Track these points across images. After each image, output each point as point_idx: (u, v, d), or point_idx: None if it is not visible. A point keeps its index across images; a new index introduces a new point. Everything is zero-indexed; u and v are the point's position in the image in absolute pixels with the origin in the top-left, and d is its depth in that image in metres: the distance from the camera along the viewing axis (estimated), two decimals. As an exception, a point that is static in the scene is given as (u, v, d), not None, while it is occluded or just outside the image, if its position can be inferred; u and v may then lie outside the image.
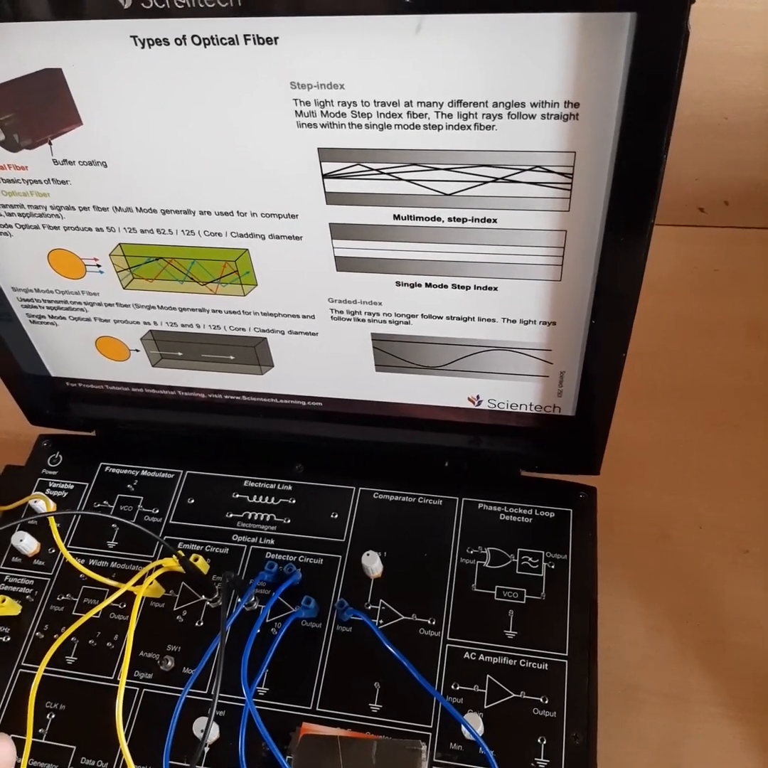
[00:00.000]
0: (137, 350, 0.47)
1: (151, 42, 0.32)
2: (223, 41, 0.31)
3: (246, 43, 0.31)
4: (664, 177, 0.31)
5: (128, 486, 0.49)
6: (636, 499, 0.49)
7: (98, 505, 0.48)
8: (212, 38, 0.31)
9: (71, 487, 0.49)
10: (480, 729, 0.38)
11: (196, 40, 0.32)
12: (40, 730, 0.41)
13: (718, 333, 0.58)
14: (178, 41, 0.32)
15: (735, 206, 0.64)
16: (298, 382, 0.47)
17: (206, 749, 0.39)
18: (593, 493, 0.46)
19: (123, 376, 0.49)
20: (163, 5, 0.29)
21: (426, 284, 0.39)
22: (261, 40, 0.31)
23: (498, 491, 0.47)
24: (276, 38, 0.31)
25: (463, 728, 0.38)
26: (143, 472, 0.50)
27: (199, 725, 0.39)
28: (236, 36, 0.31)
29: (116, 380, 0.49)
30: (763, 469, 0.50)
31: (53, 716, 0.41)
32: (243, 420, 0.49)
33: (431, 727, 0.39)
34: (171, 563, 0.43)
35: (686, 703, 0.41)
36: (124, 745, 0.35)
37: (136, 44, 0.32)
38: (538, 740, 0.38)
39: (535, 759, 0.38)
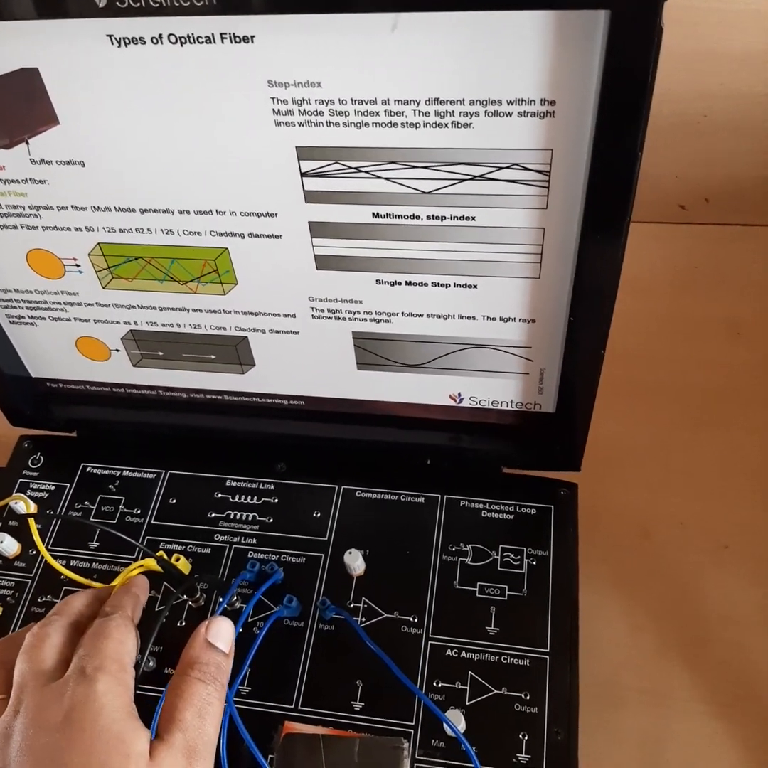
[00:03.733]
0: (118, 350, 0.46)
1: (127, 41, 0.32)
2: (200, 40, 0.31)
3: (222, 42, 0.31)
4: (641, 174, 0.31)
5: (110, 486, 0.49)
6: (617, 498, 0.49)
7: (79, 506, 0.48)
8: (189, 37, 0.31)
9: (52, 488, 0.49)
10: (462, 725, 0.38)
11: (172, 38, 0.31)
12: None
13: (697, 331, 0.58)
14: (155, 40, 0.32)
15: (715, 203, 0.65)
16: (280, 381, 0.47)
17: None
18: (574, 490, 0.46)
19: (104, 376, 0.49)
20: (138, 4, 0.29)
21: (406, 282, 0.39)
22: (237, 39, 0.31)
23: (480, 488, 0.47)
24: (252, 37, 0.31)
25: (445, 725, 0.38)
26: (125, 473, 0.50)
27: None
28: (213, 34, 0.31)
29: (97, 380, 0.49)
30: (743, 466, 0.50)
31: (34, 718, 0.41)
32: (225, 419, 0.49)
33: (413, 724, 0.39)
34: (152, 563, 0.42)
35: (667, 700, 0.42)
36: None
37: (112, 43, 0.32)
38: (520, 736, 0.38)
39: (517, 755, 0.38)
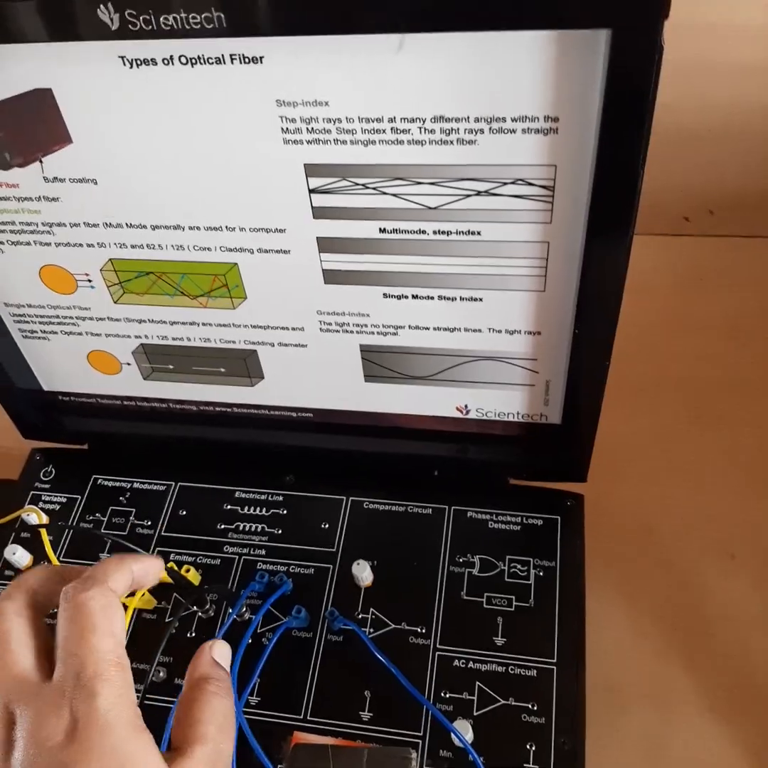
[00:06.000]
0: (129, 364, 0.47)
1: (138, 62, 0.33)
2: (210, 61, 0.32)
3: (232, 63, 0.32)
4: (645, 186, 0.32)
5: (120, 498, 0.49)
6: (621, 498, 0.49)
7: (90, 517, 0.49)
8: (199, 58, 0.32)
9: (64, 500, 0.50)
10: (469, 736, 0.38)
11: (183, 59, 0.32)
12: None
13: (702, 340, 0.58)
14: (166, 61, 0.32)
15: (720, 215, 0.65)
16: (289, 394, 0.47)
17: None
18: (581, 501, 0.46)
19: (115, 389, 0.49)
20: (150, 27, 0.30)
21: (413, 296, 0.40)
22: (247, 60, 0.32)
23: (487, 499, 0.47)
24: (261, 57, 0.32)
25: (453, 735, 0.38)
26: (135, 485, 0.50)
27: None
28: (222, 55, 0.32)
29: (108, 393, 0.50)
30: (746, 467, 0.51)
31: (46, 728, 0.41)
32: (234, 432, 0.50)
33: (421, 734, 0.39)
34: (162, 575, 0.43)
35: (672, 704, 0.42)
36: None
37: (124, 64, 0.33)
38: (527, 746, 0.39)
39: (524, 765, 0.38)
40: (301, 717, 0.41)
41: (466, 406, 0.45)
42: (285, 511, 0.48)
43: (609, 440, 0.45)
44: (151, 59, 0.32)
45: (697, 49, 0.55)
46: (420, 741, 0.39)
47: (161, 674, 0.42)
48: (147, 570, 0.34)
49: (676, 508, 0.49)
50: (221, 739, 0.31)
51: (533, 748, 0.38)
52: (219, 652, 0.34)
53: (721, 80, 0.57)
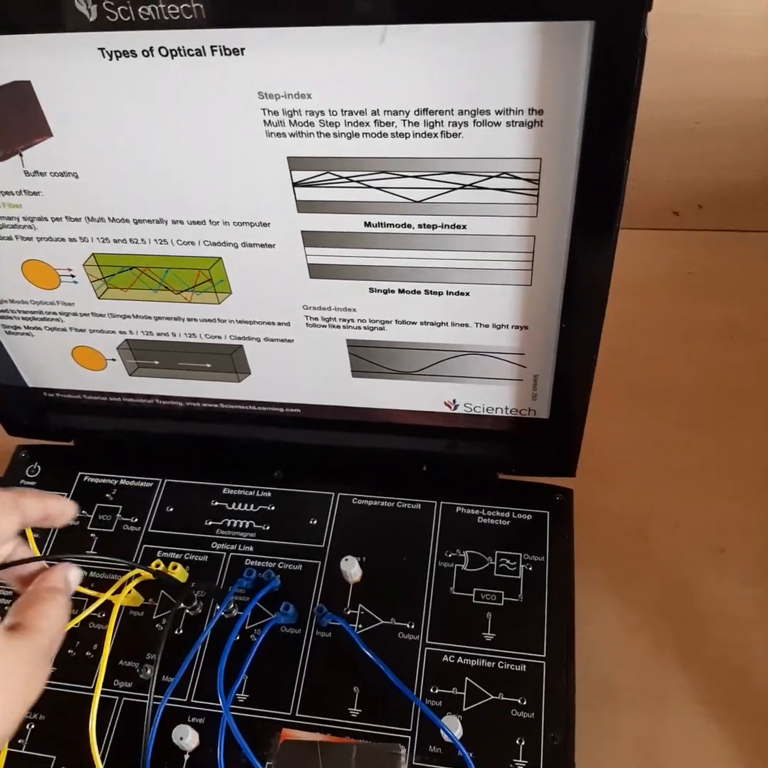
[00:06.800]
0: (114, 359, 0.47)
1: (118, 54, 0.32)
2: (190, 52, 0.32)
3: (213, 54, 0.32)
4: (635, 181, 0.32)
5: (107, 495, 0.49)
6: (613, 499, 0.49)
7: (77, 515, 0.48)
8: (179, 50, 0.32)
9: (50, 497, 0.49)
10: (458, 731, 0.38)
11: (163, 51, 0.32)
12: (19, 741, 0.41)
13: (692, 335, 0.58)
14: (146, 53, 0.32)
15: (709, 209, 0.65)
16: (276, 389, 0.47)
17: (186, 757, 0.39)
18: (570, 495, 0.46)
19: (100, 385, 0.49)
20: (128, 17, 0.29)
21: (399, 290, 0.40)
22: (228, 51, 0.31)
23: (476, 495, 0.47)
24: (242, 49, 0.31)
25: (442, 731, 0.38)
26: (122, 481, 0.50)
27: (178, 733, 0.39)
28: (203, 47, 0.31)
29: (94, 390, 0.49)
30: (738, 467, 0.51)
31: (32, 727, 0.41)
32: (221, 428, 0.49)
33: (410, 730, 0.39)
34: (149, 574, 0.43)
35: (663, 701, 0.42)
36: (96, 755, 0.35)
37: (103, 56, 0.32)
38: (517, 741, 0.38)
39: (514, 760, 0.38)
40: (290, 714, 0.40)
41: (454, 401, 0.45)
42: (273, 507, 0.48)
43: (600, 444, 0.45)
44: (131, 51, 0.32)
45: (685, 43, 0.55)
46: (409, 737, 0.39)
47: (149, 671, 0.42)
48: (63, 510, 0.38)
49: (667, 509, 0.49)
50: (54, 641, 0.32)
51: (523, 744, 0.38)
52: (74, 576, 0.36)
53: (710, 73, 0.57)
